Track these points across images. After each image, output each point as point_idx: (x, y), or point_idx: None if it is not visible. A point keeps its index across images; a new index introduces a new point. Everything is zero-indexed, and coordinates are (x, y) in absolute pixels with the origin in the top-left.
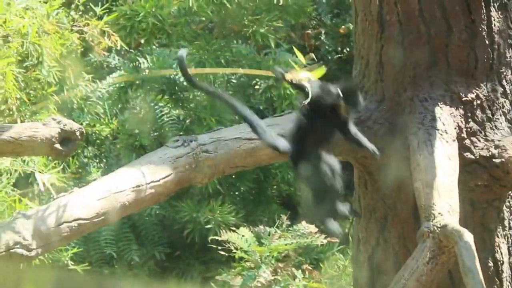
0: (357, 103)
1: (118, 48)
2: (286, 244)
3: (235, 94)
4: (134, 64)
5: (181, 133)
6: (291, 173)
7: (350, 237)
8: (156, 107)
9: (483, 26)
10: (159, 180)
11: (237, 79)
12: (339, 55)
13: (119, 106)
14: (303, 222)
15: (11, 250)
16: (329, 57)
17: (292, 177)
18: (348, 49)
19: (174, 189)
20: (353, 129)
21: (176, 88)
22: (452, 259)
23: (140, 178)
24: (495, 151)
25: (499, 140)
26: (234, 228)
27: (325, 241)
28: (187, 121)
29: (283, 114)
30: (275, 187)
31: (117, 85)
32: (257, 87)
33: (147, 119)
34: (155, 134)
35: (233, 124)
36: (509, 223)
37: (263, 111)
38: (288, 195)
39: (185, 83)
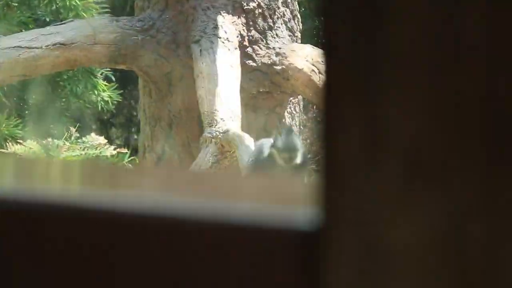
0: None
1: None
2: (74, 156)
3: (20, 6)
4: None
5: None
6: (80, 85)
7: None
8: None
9: None
10: None
11: None
12: None
13: None
14: (92, 134)
15: None
16: None
17: (80, 90)
18: None
19: None
20: None
21: None
22: (233, 163)
23: None
24: (276, 59)
25: (280, 48)
26: (21, 141)
27: (114, 152)
28: None
29: (64, 23)
30: (64, 100)
31: None
32: None
33: None
34: None
35: (15, 32)
36: None
37: (49, 23)
38: (77, 108)
39: None
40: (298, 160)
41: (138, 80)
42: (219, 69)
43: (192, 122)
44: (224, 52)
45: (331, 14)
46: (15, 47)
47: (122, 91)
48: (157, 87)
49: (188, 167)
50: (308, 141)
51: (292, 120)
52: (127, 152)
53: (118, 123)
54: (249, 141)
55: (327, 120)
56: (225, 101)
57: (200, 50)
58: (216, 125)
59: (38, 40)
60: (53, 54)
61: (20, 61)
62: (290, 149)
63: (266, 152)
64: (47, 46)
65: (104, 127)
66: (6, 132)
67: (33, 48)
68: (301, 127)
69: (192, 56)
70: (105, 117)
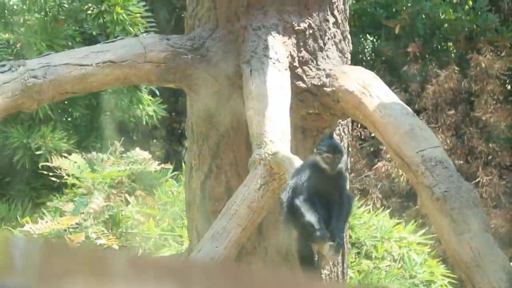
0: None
1: None
2: (119, 171)
3: (67, 20)
4: None
5: (10, 58)
6: (125, 99)
7: (183, 164)
8: None
9: None
10: None
11: (69, 3)
12: None
13: None
14: (137, 149)
15: None
16: None
17: (126, 103)
18: None
19: (1, 115)
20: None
21: (6, 11)
22: (282, 185)
23: None
24: (326, 80)
25: (330, 69)
26: (66, 155)
27: (158, 168)
28: (17, 46)
29: (115, 40)
30: (108, 113)
31: None
32: (89, 12)
33: None
34: None
35: (64, 49)
36: None
37: (96, 36)
38: (121, 122)
39: (14, 6)
40: (342, 164)
41: (186, 97)
42: (269, 90)
43: (240, 142)
44: (274, 73)
45: None
46: (65, 64)
47: (165, 105)
48: (205, 106)
49: (236, 187)
50: (352, 159)
51: (341, 141)
52: (170, 168)
53: (159, 135)
54: (298, 164)
55: None
56: (274, 122)
57: (251, 70)
58: (265, 146)
59: (89, 58)
60: (104, 72)
61: (70, 78)
62: (334, 151)
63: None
64: (97, 63)
65: (145, 139)
66: (51, 145)
67: (83, 65)
68: (349, 149)
69: (241, 76)
70: (147, 129)
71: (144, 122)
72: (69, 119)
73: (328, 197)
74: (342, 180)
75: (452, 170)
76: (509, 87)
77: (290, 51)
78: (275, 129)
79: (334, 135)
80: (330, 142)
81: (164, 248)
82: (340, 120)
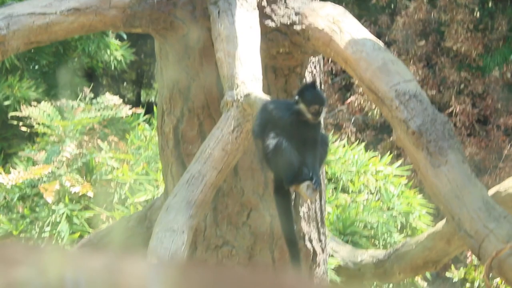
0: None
1: None
2: (90, 117)
3: None
4: None
5: None
6: (92, 45)
7: (155, 107)
8: None
9: None
10: None
11: None
12: None
13: None
14: (107, 94)
15: None
16: None
17: (93, 49)
18: None
19: None
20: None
21: None
22: None
23: None
24: (295, 18)
25: (299, 7)
26: (35, 104)
27: (130, 112)
28: None
29: None
30: (75, 59)
31: None
32: None
33: None
34: None
35: None
36: None
37: None
38: (90, 68)
39: None
40: (324, 114)
41: (154, 43)
42: (238, 30)
43: (211, 85)
44: (242, 13)
45: None
46: (28, 13)
47: (134, 49)
48: (174, 49)
49: (209, 130)
50: (325, 94)
51: (313, 79)
52: (142, 112)
53: (129, 79)
54: None
55: None
56: (245, 63)
57: (218, 12)
58: (237, 88)
59: (52, 6)
60: (68, 20)
61: (34, 28)
62: (320, 102)
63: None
64: (62, 11)
65: (115, 83)
66: (19, 94)
67: (47, 14)
68: (322, 85)
69: (209, 18)
70: (116, 74)
71: (113, 67)
72: (36, 67)
73: (305, 140)
74: (319, 125)
75: (426, 103)
76: (478, 15)
77: None
78: (246, 70)
79: (306, 73)
80: (315, 92)
81: (139, 193)
82: (311, 58)
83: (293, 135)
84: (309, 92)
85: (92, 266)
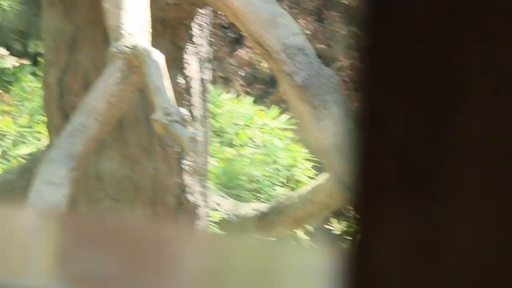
0: None
1: None
2: None
3: None
4: None
5: None
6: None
7: (41, 59)
8: None
9: None
10: None
11: None
12: None
13: None
14: None
15: None
16: None
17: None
18: None
19: None
20: None
21: None
22: (142, 78)
23: None
24: None
25: None
26: None
27: (16, 64)
28: None
29: None
30: None
31: None
32: None
33: None
34: None
35: None
36: (199, 40)
37: None
38: None
39: None
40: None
41: None
42: None
43: (98, 36)
44: None
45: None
46: None
47: None
48: (59, 1)
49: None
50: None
51: (203, 32)
52: (28, 64)
53: (17, 30)
54: (158, 56)
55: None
56: (132, 14)
57: None
58: (123, 39)
59: None
60: None
61: None
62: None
63: None
64: None
65: (1, 34)
66: None
67: None
68: (211, 38)
69: None
70: (3, 24)
71: (0, 18)
72: None
73: None
74: None
75: (312, 57)
76: None
77: None
78: (133, 21)
79: (194, 25)
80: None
81: (22, 145)
82: (200, 10)
83: None
84: None
85: None
